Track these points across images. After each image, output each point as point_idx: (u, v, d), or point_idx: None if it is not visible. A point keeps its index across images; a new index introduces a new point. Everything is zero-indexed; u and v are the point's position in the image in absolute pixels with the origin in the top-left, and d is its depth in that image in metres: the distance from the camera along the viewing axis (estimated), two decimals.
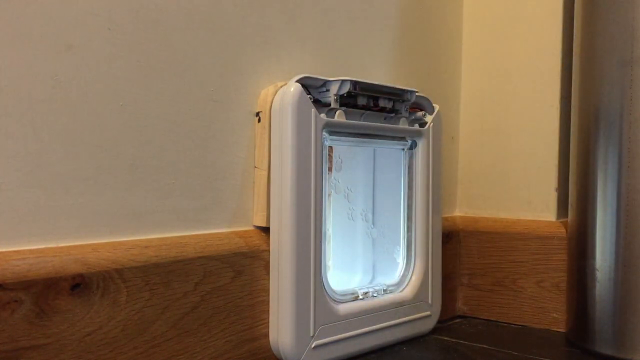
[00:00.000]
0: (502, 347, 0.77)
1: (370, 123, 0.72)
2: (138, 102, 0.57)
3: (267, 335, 0.65)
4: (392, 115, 0.75)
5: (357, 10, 0.79)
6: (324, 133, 0.67)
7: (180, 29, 0.60)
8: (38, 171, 0.50)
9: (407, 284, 0.78)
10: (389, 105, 0.73)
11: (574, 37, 0.81)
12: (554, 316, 0.86)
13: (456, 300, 0.95)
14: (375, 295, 0.74)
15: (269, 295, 0.65)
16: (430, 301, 0.81)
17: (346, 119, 0.69)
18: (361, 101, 0.70)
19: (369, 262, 0.81)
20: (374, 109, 0.72)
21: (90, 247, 0.53)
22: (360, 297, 0.72)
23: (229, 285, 0.62)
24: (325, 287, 0.67)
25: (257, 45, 0.67)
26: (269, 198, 0.65)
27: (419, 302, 0.79)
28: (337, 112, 0.68)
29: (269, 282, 0.65)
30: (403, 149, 0.79)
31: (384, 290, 0.76)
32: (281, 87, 0.65)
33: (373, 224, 0.81)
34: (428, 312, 0.81)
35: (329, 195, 0.76)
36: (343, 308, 0.69)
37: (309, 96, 0.65)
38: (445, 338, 0.81)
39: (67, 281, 0.50)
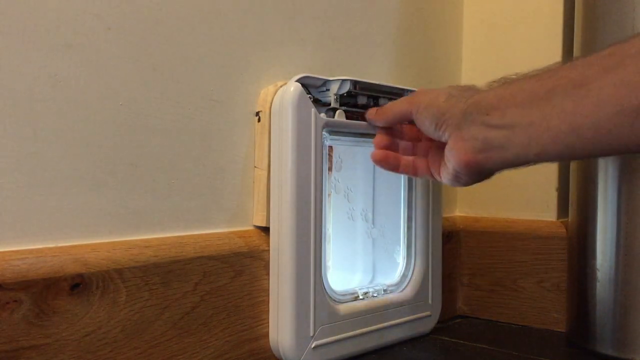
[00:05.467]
0: (502, 347, 0.77)
1: None
2: (138, 102, 0.57)
3: (267, 335, 0.65)
4: None
5: (357, 10, 0.79)
6: (324, 133, 0.67)
7: (180, 29, 0.60)
8: (38, 171, 0.50)
9: (407, 284, 0.78)
10: None
11: (575, 37, 0.81)
12: (554, 316, 0.86)
13: (456, 300, 0.95)
14: (375, 295, 0.74)
15: (269, 295, 0.65)
16: (430, 301, 0.81)
17: (346, 119, 0.69)
18: (361, 101, 0.70)
19: (369, 262, 0.81)
20: None
21: (89, 247, 0.53)
22: (360, 297, 0.72)
23: (229, 285, 0.62)
24: (325, 287, 0.67)
25: (257, 45, 0.67)
26: (269, 198, 0.65)
27: (419, 302, 0.79)
28: (337, 112, 0.68)
29: (269, 282, 0.65)
30: None
31: (384, 290, 0.76)
32: (281, 86, 0.65)
33: (373, 224, 0.81)
34: (428, 312, 0.80)
35: (329, 195, 0.76)
36: (343, 308, 0.69)
37: (309, 96, 0.65)
38: (445, 338, 0.81)
39: (67, 281, 0.50)
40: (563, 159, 0.73)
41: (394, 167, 0.65)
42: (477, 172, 0.56)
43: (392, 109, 0.65)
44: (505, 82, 0.54)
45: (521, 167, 0.54)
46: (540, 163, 0.52)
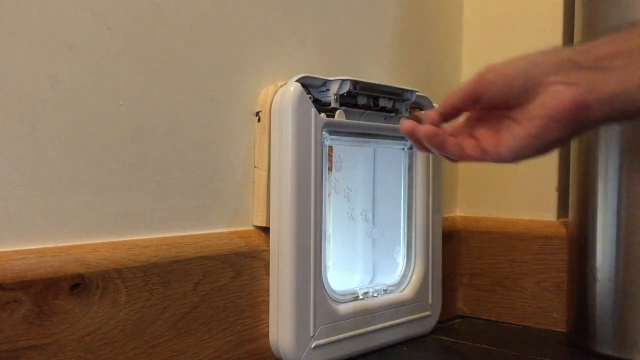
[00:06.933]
0: (502, 347, 0.77)
1: (371, 123, 0.72)
2: (138, 102, 0.57)
3: (267, 335, 0.65)
4: (392, 115, 0.75)
5: (357, 10, 0.79)
6: (324, 133, 0.67)
7: (180, 29, 0.60)
8: (38, 171, 0.50)
9: (407, 284, 0.78)
10: (389, 104, 0.73)
11: (575, 36, 0.81)
12: (554, 316, 0.86)
13: (456, 300, 0.95)
14: (375, 295, 0.74)
15: (269, 295, 0.65)
16: (430, 301, 0.81)
17: (346, 119, 0.69)
18: (361, 101, 0.70)
19: (369, 262, 0.81)
20: (374, 108, 0.72)
21: (90, 247, 0.53)
22: (360, 297, 0.72)
23: (229, 285, 0.62)
24: (325, 287, 0.67)
25: (257, 45, 0.67)
26: (269, 198, 0.65)
27: (419, 302, 0.79)
28: (337, 112, 0.68)
29: (269, 282, 0.65)
30: (403, 149, 0.79)
31: (384, 290, 0.76)
32: (281, 86, 0.65)
33: (373, 224, 0.81)
34: (428, 312, 0.80)
35: (329, 195, 0.76)
36: (343, 308, 0.69)
37: (308, 96, 0.65)
38: (445, 338, 0.81)
39: (67, 281, 0.50)
40: None
41: (441, 146, 0.58)
42: (578, 120, 0.51)
43: (454, 93, 0.60)
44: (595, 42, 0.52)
45: (630, 119, 0.52)
46: None
